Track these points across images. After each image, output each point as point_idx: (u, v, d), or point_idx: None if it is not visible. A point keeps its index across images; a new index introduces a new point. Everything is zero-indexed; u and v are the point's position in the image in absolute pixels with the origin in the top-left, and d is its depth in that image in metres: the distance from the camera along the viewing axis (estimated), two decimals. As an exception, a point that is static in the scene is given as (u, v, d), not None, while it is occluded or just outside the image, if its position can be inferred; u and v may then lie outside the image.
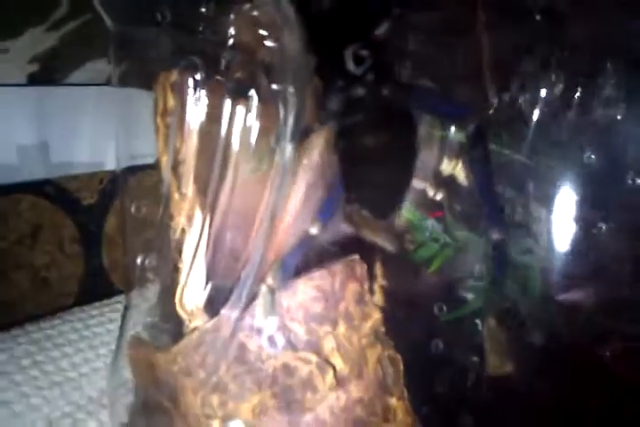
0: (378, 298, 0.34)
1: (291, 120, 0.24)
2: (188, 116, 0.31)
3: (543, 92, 0.36)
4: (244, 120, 0.29)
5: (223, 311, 0.30)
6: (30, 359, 0.49)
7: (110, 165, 0.62)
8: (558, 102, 0.36)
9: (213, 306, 0.31)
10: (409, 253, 0.40)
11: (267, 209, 0.27)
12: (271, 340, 0.30)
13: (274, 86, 0.26)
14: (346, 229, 0.33)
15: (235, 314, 0.29)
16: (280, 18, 0.22)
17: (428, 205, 0.39)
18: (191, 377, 0.31)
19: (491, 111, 0.37)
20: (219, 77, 0.29)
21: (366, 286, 0.34)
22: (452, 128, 0.32)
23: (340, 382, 0.32)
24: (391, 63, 0.27)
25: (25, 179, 0.57)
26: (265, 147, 0.27)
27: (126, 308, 0.37)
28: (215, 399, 0.30)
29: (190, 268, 0.31)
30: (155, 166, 0.34)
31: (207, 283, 0.32)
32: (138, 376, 0.35)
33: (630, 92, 0.36)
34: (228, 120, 0.29)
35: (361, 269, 0.34)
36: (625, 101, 0.36)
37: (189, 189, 0.31)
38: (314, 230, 0.29)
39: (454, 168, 0.36)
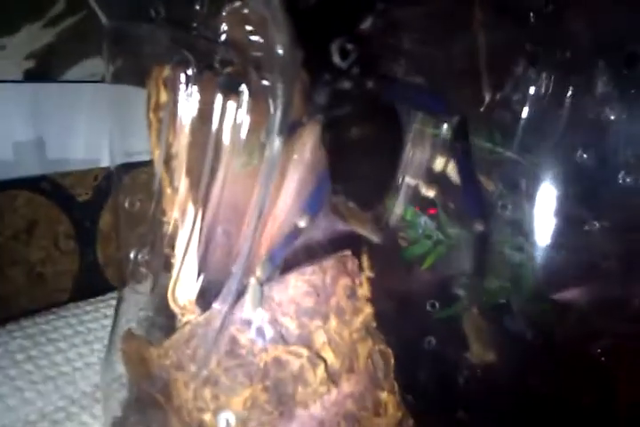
0: (365, 290, 0.34)
1: (279, 114, 0.24)
2: (180, 111, 0.31)
3: (535, 91, 0.36)
4: (234, 115, 0.29)
5: (214, 305, 0.30)
6: (25, 354, 0.49)
7: (105, 161, 0.62)
8: (550, 101, 0.36)
9: (205, 300, 0.31)
10: (403, 249, 0.41)
11: (255, 204, 0.27)
12: (260, 331, 0.30)
13: (264, 82, 0.27)
14: (335, 222, 0.33)
15: (225, 307, 0.29)
16: (269, 14, 0.22)
17: (421, 203, 0.39)
18: (183, 371, 0.31)
19: (482, 108, 0.37)
20: (210, 73, 0.29)
21: (357, 282, 0.34)
22: (445, 126, 0.32)
23: (330, 376, 0.32)
24: (376, 57, 0.28)
25: (21, 175, 0.57)
26: (256, 141, 0.27)
27: (119, 302, 0.37)
28: (207, 393, 0.30)
29: (182, 262, 0.32)
30: (149, 164, 0.34)
31: (199, 277, 0.32)
32: (131, 371, 0.35)
33: (623, 90, 0.36)
34: (219, 115, 0.29)
35: (352, 264, 0.34)
36: (618, 100, 0.36)
37: (182, 183, 0.31)
38: (302, 223, 0.29)
39: (447, 165, 0.36)
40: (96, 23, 0.32)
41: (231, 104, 0.29)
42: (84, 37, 0.55)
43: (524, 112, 0.36)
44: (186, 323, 0.32)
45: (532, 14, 0.34)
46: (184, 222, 0.32)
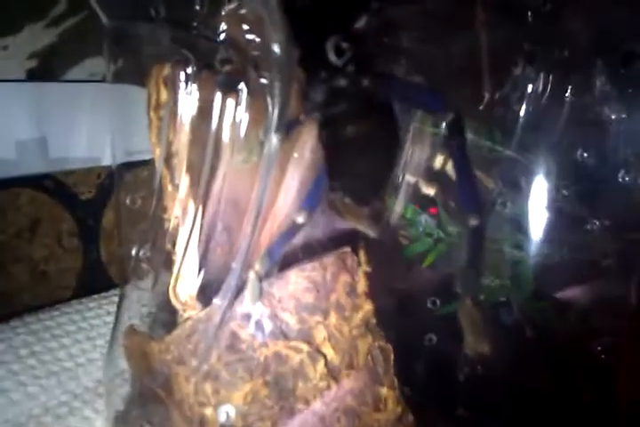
0: (362, 284, 0.34)
1: (276, 112, 0.25)
2: (179, 110, 0.31)
3: (533, 89, 0.36)
4: (234, 113, 0.29)
5: (215, 301, 0.31)
6: (28, 349, 0.49)
7: (107, 160, 0.62)
8: (549, 99, 0.36)
9: (206, 296, 0.31)
10: (403, 247, 0.41)
11: (254, 200, 0.27)
12: (259, 326, 0.31)
13: (262, 80, 0.27)
14: (334, 219, 0.34)
15: (225, 303, 0.30)
16: (266, 13, 0.22)
17: (421, 201, 0.39)
18: (184, 365, 0.31)
19: (481, 107, 0.37)
20: (209, 71, 0.29)
21: (357, 278, 0.34)
22: (444, 124, 0.32)
23: (331, 371, 0.32)
24: (372, 55, 0.28)
25: (23, 173, 0.57)
26: (255, 139, 0.28)
27: (121, 299, 0.37)
28: (208, 387, 0.31)
29: (183, 258, 0.32)
30: (150, 162, 0.34)
31: (200, 273, 0.32)
32: (133, 366, 0.35)
33: (622, 89, 0.36)
34: (218, 113, 0.29)
35: (352, 261, 0.34)
36: (617, 99, 0.36)
37: (182, 180, 0.32)
38: (300, 219, 0.29)
39: (446, 164, 0.36)
40: (97, 23, 0.32)
41: (230, 102, 0.29)
42: (85, 37, 0.55)
43: (523, 111, 0.37)
44: (187, 318, 0.32)
45: (529, 13, 0.35)
46: (185, 219, 0.32)
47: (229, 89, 0.28)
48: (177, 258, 0.32)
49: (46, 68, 0.56)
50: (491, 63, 0.36)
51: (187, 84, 0.30)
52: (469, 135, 0.35)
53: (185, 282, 0.32)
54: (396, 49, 0.31)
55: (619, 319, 0.38)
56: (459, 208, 0.37)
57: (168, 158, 0.32)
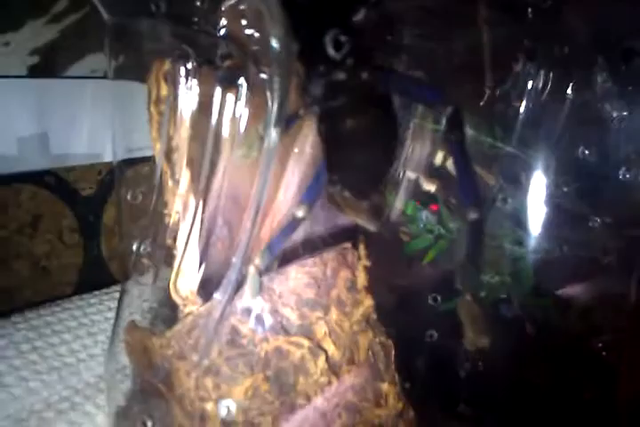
0: (362, 279, 0.34)
1: (275, 107, 0.25)
2: (180, 105, 0.31)
3: (534, 86, 0.36)
4: (233, 108, 0.29)
5: (215, 295, 0.31)
6: (29, 345, 0.49)
7: (108, 156, 0.62)
8: (550, 96, 0.36)
9: (207, 291, 0.31)
10: (404, 244, 0.41)
11: (254, 195, 0.27)
12: (260, 320, 0.31)
13: (262, 75, 0.27)
14: (335, 215, 0.34)
15: (225, 297, 0.30)
16: (265, 8, 0.22)
17: (422, 197, 0.39)
18: (185, 360, 0.31)
19: (481, 103, 0.37)
20: (209, 66, 0.29)
21: (357, 274, 0.34)
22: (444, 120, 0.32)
23: (331, 367, 0.32)
24: (371, 48, 0.28)
25: (25, 169, 0.57)
26: (255, 133, 0.28)
27: (122, 294, 0.37)
28: (209, 382, 0.31)
29: (184, 253, 0.32)
30: (151, 159, 0.34)
31: (200, 268, 0.32)
32: (134, 361, 0.35)
33: (623, 86, 0.36)
34: (218, 108, 0.29)
35: (352, 256, 0.34)
36: (618, 96, 0.36)
37: (182, 175, 0.32)
38: (299, 213, 0.29)
39: (447, 160, 0.36)
40: (98, 20, 0.32)
41: (230, 97, 0.29)
42: (86, 34, 0.55)
43: (524, 107, 0.37)
44: (188, 313, 0.32)
45: (530, 10, 0.35)
46: (185, 214, 0.32)
47: (229, 84, 0.28)
48: (177, 253, 0.32)
49: (48, 65, 0.56)
50: (491, 59, 0.36)
51: (187, 79, 0.30)
52: (470, 131, 0.35)
53: (185, 277, 0.32)
54: (395, 44, 0.31)
55: (619, 316, 0.38)
56: (459, 202, 0.37)
57: (168, 153, 0.32)
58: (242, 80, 0.28)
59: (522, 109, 0.37)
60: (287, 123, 0.26)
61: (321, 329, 0.32)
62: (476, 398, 0.39)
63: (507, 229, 0.38)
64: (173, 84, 0.31)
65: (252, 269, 0.30)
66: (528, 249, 0.38)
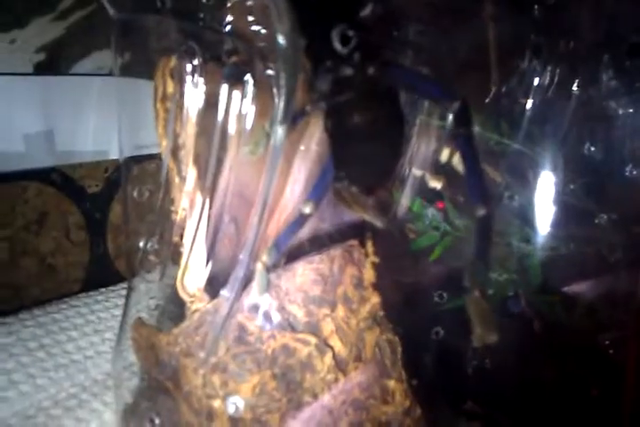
0: (370, 275, 0.34)
1: (282, 103, 0.25)
2: (186, 101, 0.31)
3: (540, 82, 0.36)
4: (240, 104, 0.29)
5: (222, 292, 0.31)
6: (37, 342, 0.49)
7: (114, 154, 0.62)
8: (556, 93, 0.36)
9: (214, 288, 0.31)
10: (411, 241, 0.41)
11: (261, 191, 0.27)
12: (267, 317, 0.31)
13: (269, 71, 0.27)
14: (341, 212, 0.34)
15: (232, 294, 0.30)
16: (272, 3, 0.22)
17: (428, 195, 0.39)
18: (192, 358, 0.31)
19: (487, 100, 0.37)
20: (216, 63, 0.29)
21: (364, 271, 0.34)
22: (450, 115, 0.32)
23: (338, 364, 0.32)
24: (378, 43, 0.28)
25: (31, 166, 0.57)
26: (261, 130, 0.28)
27: (130, 292, 0.37)
28: (216, 379, 0.31)
29: (191, 250, 0.32)
30: (158, 156, 0.34)
31: (207, 265, 0.32)
32: (141, 358, 0.36)
33: (628, 83, 0.36)
34: (224, 105, 0.29)
35: (359, 253, 0.34)
36: (625, 92, 0.36)
37: (189, 172, 0.32)
38: (306, 209, 0.29)
39: (453, 157, 0.36)
40: (104, 16, 0.32)
41: (236, 94, 0.29)
42: (92, 31, 0.55)
43: (530, 104, 0.37)
44: (195, 310, 0.32)
45: (536, 6, 0.34)
46: (192, 211, 0.32)
47: (236, 80, 0.28)
48: (184, 250, 0.32)
49: (53, 62, 0.56)
50: (497, 56, 0.36)
51: (193, 75, 0.30)
52: (476, 128, 0.35)
53: (193, 274, 0.32)
54: (401, 40, 0.31)
55: (626, 314, 0.38)
56: (466, 200, 0.37)
57: (175, 151, 0.32)
58: (248, 77, 0.28)
59: (528, 106, 0.37)
60: (294, 119, 0.26)
61: (328, 326, 0.32)
62: (483, 396, 0.39)
63: (514, 226, 0.38)
64: (180, 81, 0.31)
65: (259, 266, 0.30)
66: (535, 246, 0.38)
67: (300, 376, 0.31)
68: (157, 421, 0.33)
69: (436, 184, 0.36)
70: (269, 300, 0.31)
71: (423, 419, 0.35)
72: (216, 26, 0.28)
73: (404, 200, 0.38)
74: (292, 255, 0.32)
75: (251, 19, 0.27)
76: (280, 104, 0.25)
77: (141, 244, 0.35)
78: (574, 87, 0.36)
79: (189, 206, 0.32)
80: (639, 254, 0.37)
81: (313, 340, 0.32)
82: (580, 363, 0.38)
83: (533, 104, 0.37)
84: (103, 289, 0.61)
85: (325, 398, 0.32)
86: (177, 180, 0.33)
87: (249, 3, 0.26)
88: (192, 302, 0.32)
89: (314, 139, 0.31)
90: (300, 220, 0.30)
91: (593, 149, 0.37)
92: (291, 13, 0.22)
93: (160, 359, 0.33)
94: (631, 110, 0.36)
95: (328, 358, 0.32)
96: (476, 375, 0.39)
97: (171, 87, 0.32)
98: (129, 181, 0.37)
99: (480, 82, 0.37)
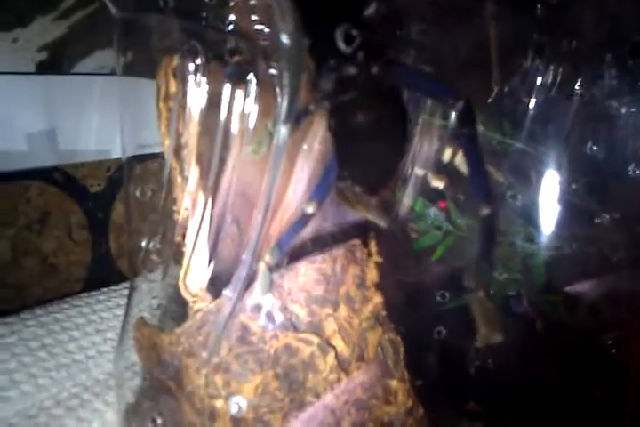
0: (373, 275, 0.34)
1: (285, 103, 0.24)
2: (189, 101, 0.31)
3: (544, 82, 0.36)
4: (242, 104, 0.29)
5: (225, 292, 0.30)
6: (39, 342, 0.49)
7: (117, 153, 0.62)
8: (558, 92, 0.36)
9: (216, 287, 0.31)
10: (413, 241, 0.41)
11: (264, 191, 0.27)
12: (270, 317, 0.31)
13: (271, 71, 0.27)
14: (344, 211, 0.34)
15: (235, 294, 0.30)
16: (275, 2, 0.22)
17: (430, 194, 0.39)
18: (194, 357, 0.31)
19: (490, 99, 0.37)
20: (218, 62, 0.29)
21: (367, 270, 0.34)
22: (453, 115, 0.32)
23: (341, 363, 0.32)
24: (381, 42, 0.28)
25: (33, 166, 0.57)
26: (264, 130, 0.28)
27: (132, 291, 0.37)
28: (218, 379, 0.31)
29: (193, 250, 0.32)
30: (161, 155, 0.34)
31: (210, 265, 0.32)
32: (143, 358, 0.36)
33: (631, 82, 0.36)
34: (227, 104, 0.29)
35: (361, 253, 0.34)
36: (627, 92, 0.36)
37: (192, 172, 0.32)
38: (309, 209, 0.29)
39: (455, 156, 0.36)
40: (107, 15, 0.32)
41: (239, 93, 0.29)
42: (95, 30, 0.55)
43: (533, 103, 0.37)
44: (197, 310, 0.32)
45: (538, 5, 0.34)
46: (194, 211, 0.32)
47: (238, 80, 0.28)
48: (187, 250, 0.32)
49: (56, 61, 0.56)
50: (500, 55, 0.36)
51: (196, 75, 0.30)
52: (478, 127, 0.35)
53: (195, 274, 0.32)
54: (404, 39, 0.31)
55: (629, 313, 0.38)
56: (470, 199, 0.37)
57: (177, 150, 0.32)
58: (251, 76, 0.28)
59: (530, 106, 0.37)
60: (297, 119, 0.26)
61: (330, 326, 0.32)
62: (486, 396, 0.39)
63: (516, 225, 0.38)
64: (182, 81, 0.31)
65: (262, 266, 0.30)
66: (538, 246, 0.38)
67: (303, 376, 0.31)
68: (159, 421, 0.33)
69: (439, 184, 0.36)
70: (272, 300, 0.31)
71: (425, 419, 0.35)
72: (219, 25, 0.28)
73: (406, 200, 0.38)
74: (295, 255, 0.32)
75: (254, 18, 0.27)
76: (283, 103, 0.25)
77: (144, 243, 0.35)
78: (577, 87, 0.36)
79: (192, 206, 0.32)
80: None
81: (315, 340, 0.32)
82: (582, 363, 0.38)
83: (536, 103, 0.37)
84: (105, 289, 0.61)
85: (328, 398, 0.32)
86: (179, 179, 0.32)
87: (252, 2, 0.26)
88: (194, 302, 0.32)
89: (317, 138, 0.31)
90: (303, 219, 0.30)
91: (595, 148, 0.37)
92: (294, 12, 0.22)
93: (162, 359, 0.33)
94: (634, 110, 0.36)
95: (330, 358, 0.32)
96: (479, 375, 0.39)
97: (173, 86, 0.32)
98: (131, 180, 0.37)
99: (482, 81, 0.37)
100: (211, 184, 0.31)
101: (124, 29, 0.32)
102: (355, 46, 0.25)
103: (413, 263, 0.42)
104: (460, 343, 0.38)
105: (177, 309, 0.34)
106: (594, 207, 0.38)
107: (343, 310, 0.33)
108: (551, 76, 0.36)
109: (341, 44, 0.25)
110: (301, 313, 0.32)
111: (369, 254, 0.34)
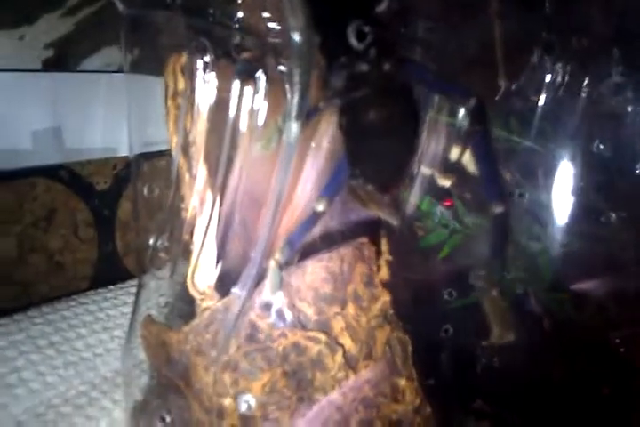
0: (384, 273, 0.34)
1: (295, 100, 0.24)
2: (197, 98, 0.31)
3: (552, 80, 0.36)
4: (252, 101, 0.29)
5: (233, 290, 0.30)
6: (46, 340, 0.49)
7: (123, 150, 0.62)
8: (566, 90, 0.36)
9: (224, 285, 0.31)
10: (419, 239, 0.41)
11: (274, 188, 0.27)
12: (280, 314, 0.31)
13: (281, 67, 0.27)
14: (353, 209, 0.33)
15: (244, 292, 0.30)
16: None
17: (437, 193, 0.39)
18: (203, 356, 0.31)
19: (497, 97, 0.37)
20: (227, 59, 0.29)
21: (375, 269, 0.34)
22: (461, 112, 0.32)
23: (349, 362, 0.32)
24: (393, 39, 0.28)
25: (39, 163, 0.57)
26: (273, 127, 0.28)
27: (140, 289, 0.37)
28: (227, 377, 0.31)
29: (201, 248, 0.32)
30: (168, 153, 0.34)
31: (218, 263, 0.32)
32: (151, 356, 0.36)
33: (639, 80, 0.36)
34: (236, 101, 0.29)
35: (369, 251, 0.34)
36: (634, 90, 0.36)
37: (200, 169, 0.32)
38: (320, 207, 0.29)
39: (462, 155, 0.36)
40: (114, 12, 0.32)
41: (248, 90, 0.29)
42: (101, 27, 0.55)
43: (541, 101, 0.36)
44: (205, 308, 0.32)
45: (547, 3, 0.34)
46: (202, 209, 0.32)
47: (247, 77, 0.28)
48: (195, 248, 0.32)
49: (62, 58, 0.56)
50: (508, 53, 0.35)
51: (204, 72, 0.30)
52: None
53: (203, 272, 0.32)
54: (415, 36, 0.31)
55: (637, 311, 0.38)
56: (477, 197, 0.37)
57: (185, 147, 0.32)
58: (260, 73, 0.28)
59: (538, 103, 0.37)
60: (307, 116, 0.26)
61: (338, 324, 0.32)
62: (492, 394, 0.39)
63: (523, 224, 0.38)
64: (190, 78, 0.31)
65: (272, 264, 0.30)
66: (546, 244, 0.38)
67: (311, 374, 0.31)
68: (168, 419, 0.33)
69: (446, 182, 0.36)
70: (281, 299, 0.31)
71: (433, 417, 0.35)
72: (227, 21, 0.28)
73: (413, 198, 0.38)
74: (302, 253, 0.32)
75: (264, 14, 0.27)
76: (294, 100, 0.24)
77: (151, 241, 0.35)
78: (585, 84, 0.36)
79: (200, 204, 0.32)
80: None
81: (323, 338, 0.32)
82: (590, 361, 0.38)
83: (544, 101, 0.37)
84: (112, 286, 0.61)
85: (335, 396, 0.32)
86: (187, 177, 0.32)
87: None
88: (202, 300, 0.32)
89: (326, 136, 0.31)
90: (314, 217, 0.30)
91: (603, 146, 0.37)
92: (305, 9, 0.22)
93: (170, 357, 0.33)
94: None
95: (338, 356, 0.32)
96: (486, 374, 0.39)
97: (181, 84, 0.32)
98: (139, 177, 0.37)
99: (490, 79, 0.37)
100: (219, 182, 0.31)
101: (130, 26, 0.32)
102: (367, 43, 0.25)
103: (420, 261, 0.42)
104: (468, 342, 0.38)
105: (184, 307, 0.34)
106: (601, 205, 0.38)
107: (351, 309, 0.33)
108: (559, 74, 0.36)
109: (353, 41, 0.25)
110: (309, 311, 0.32)
111: (380, 253, 0.34)
